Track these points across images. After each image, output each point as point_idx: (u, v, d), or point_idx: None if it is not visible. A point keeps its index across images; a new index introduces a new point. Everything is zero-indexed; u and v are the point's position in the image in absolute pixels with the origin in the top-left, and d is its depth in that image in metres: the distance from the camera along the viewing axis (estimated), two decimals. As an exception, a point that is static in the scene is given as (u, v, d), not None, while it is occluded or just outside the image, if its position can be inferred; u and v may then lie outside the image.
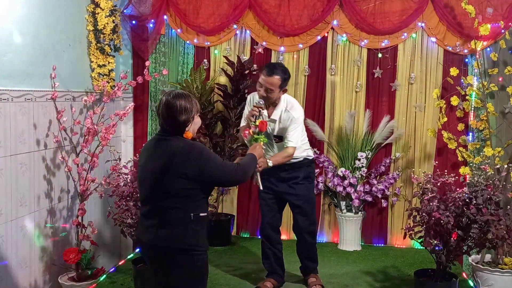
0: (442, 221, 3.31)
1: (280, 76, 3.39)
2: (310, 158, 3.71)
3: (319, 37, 4.83)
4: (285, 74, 3.44)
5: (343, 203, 4.75)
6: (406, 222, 4.66)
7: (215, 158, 2.46)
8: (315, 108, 4.93)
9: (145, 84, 4.97)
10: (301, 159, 3.63)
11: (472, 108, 4.59)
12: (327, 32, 4.84)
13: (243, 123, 3.64)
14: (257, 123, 3.21)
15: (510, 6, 4.42)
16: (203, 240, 2.45)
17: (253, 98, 3.61)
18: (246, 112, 3.61)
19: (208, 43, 4.96)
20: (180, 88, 4.83)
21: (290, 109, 3.52)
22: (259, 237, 5.01)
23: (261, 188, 3.34)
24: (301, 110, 3.60)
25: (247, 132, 3.26)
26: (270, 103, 3.50)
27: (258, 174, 3.28)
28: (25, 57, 3.59)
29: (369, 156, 4.78)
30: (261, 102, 3.36)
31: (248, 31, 4.94)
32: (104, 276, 3.90)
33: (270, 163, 3.33)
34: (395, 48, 4.77)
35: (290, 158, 3.49)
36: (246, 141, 3.37)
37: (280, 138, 3.55)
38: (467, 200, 3.38)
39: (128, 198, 3.48)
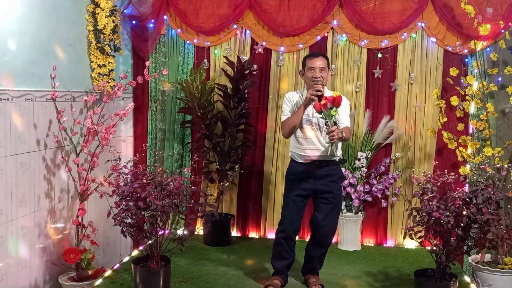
0: (442, 221, 3.31)
1: (324, 56, 3.67)
2: (342, 159, 3.80)
3: (319, 37, 4.84)
4: (326, 56, 3.74)
5: (343, 203, 4.75)
6: (406, 222, 4.66)
7: None
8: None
9: (145, 84, 4.98)
10: (339, 157, 3.69)
11: (472, 108, 4.59)
12: (327, 32, 4.85)
13: (284, 118, 3.66)
14: (334, 96, 3.33)
15: (510, 6, 4.43)
16: None
17: (293, 97, 3.72)
18: (285, 108, 3.69)
19: (208, 43, 4.96)
20: (180, 88, 4.84)
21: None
22: (260, 237, 5.08)
23: (335, 155, 3.56)
24: None
25: (321, 105, 3.33)
26: (324, 83, 3.61)
27: (333, 144, 3.45)
28: (25, 57, 3.59)
29: (369, 156, 4.79)
30: (320, 80, 3.51)
31: (248, 31, 4.95)
32: (104, 276, 3.90)
33: (345, 135, 3.40)
34: (395, 48, 4.78)
35: (350, 136, 3.67)
36: (323, 114, 3.38)
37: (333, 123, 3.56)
38: (467, 199, 3.38)
39: (128, 198, 3.48)
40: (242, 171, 5.04)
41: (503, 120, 4.51)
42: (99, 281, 3.80)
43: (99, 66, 4.43)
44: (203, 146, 4.87)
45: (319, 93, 3.37)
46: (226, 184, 4.86)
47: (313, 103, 3.43)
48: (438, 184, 3.56)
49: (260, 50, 4.93)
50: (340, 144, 3.71)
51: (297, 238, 4.79)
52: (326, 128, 3.51)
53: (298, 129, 3.62)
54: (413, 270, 3.81)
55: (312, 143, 3.59)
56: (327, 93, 3.66)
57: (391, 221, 4.90)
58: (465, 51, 4.61)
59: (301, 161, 3.64)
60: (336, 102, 3.29)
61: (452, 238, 3.41)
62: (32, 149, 3.67)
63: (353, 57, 4.84)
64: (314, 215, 3.72)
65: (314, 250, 3.77)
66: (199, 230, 5.10)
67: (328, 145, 3.52)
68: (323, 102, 3.35)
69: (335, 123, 3.53)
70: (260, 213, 5.09)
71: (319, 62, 3.57)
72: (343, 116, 3.59)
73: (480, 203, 3.31)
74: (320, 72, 3.55)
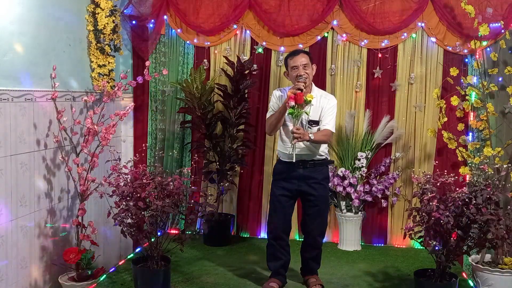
0: (442, 221, 3.31)
1: (304, 53, 3.64)
2: (329, 159, 3.77)
3: (319, 37, 4.84)
4: (307, 52, 3.72)
5: (343, 203, 4.75)
6: (406, 222, 4.66)
7: None
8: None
9: (145, 84, 4.98)
10: (324, 157, 3.66)
11: (472, 108, 4.59)
12: (327, 32, 4.84)
13: (268, 115, 3.66)
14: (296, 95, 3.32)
15: (510, 6, 4.42)
16: None
17: (278, 93, 3.68)
18: (270, 104, 3.68)
19: (208, 43, 4.96)
20: (180, 88, 4.84)
21: (327, 96, 3.68)
22: (260, 237, 5.08)
23: (294, 161, 3.43)
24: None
25: (289, 102, 3.33)
26: (309, 81, 3.57)
27: (294, 146, 3.39)
28: (25, 57, 3.59)
29: (369, 156, 4.78)
30: (304, 77, 3.46)
31: (248, 31, 4.95)
32: (104, 276, 3.90)
33: (312, 136, 3.38)
34: (395, 48, 4.77)
35: (328, 139, 3.60)
36: (288, 112, 3.39)
37: (315, 123, 3.55)
38: (466, 200, 3.37)
39: (128, 198, 3.48)
40: (242, 171, 5.04)
41: (503, 120, 4.50)
42: (99, 281, 3.80)
43: (99, 66, 4.43)
44: (203, 146, 4.87)
45: (299, 92, 3.35)
46: (226, 184, 4.86)
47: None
48: (438, 184, 3.56)
49: (260, 50, 4.93)
50: (325, 145, 3.67)
51: (297, 237, 4.87)
52: (308, 127, 3.50)
53: (282, 127, 3.60)
54: (413, 270, 3.81)
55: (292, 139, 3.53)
56: (315, 90, 3.65)
57: (391, 221, 4.90)
58: (465, 51, 4.61)
59: (286, 160, 3.63)
60: (297, 100, 3.29)
61: (452, 238, 3.41)
62: (32, 149, 3.67)
63: (353, 57, 4.84)
64: (303, 218, 3.73)
65: (308, 252, 3.78)
66: (199, 230, 5.10)
67: (291, 145, 3.45)
68: (286, 100, 3.36)
69: (317, 123, 3.52)
70: (260, 213, 5.09)
71: (301, 59, 3.54)
72: (327, 116, 3.57)
73: (479, 203, 3.31)
74: (303, 69, 3.52)
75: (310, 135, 3.39)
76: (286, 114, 3.47)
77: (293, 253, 3.85)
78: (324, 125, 3.55)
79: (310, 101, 3.39)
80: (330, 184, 4.76)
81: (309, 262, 3.80)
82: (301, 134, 3.32)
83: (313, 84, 3.69)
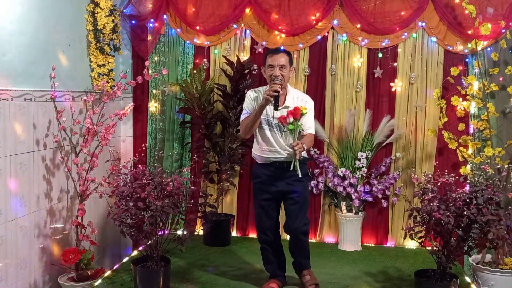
0: (442, 221, 3.30)
1: (285, 52, 3.53)
2: (307, 157, 3.72)
3: (319, 37, 4.83)
4: (288, 52, 3.59)
5: (343, 203, 4.74)
6: (407, 222, 4.65)
7: None
8: (315, 108, 4.86)
9: (145, 84, 4.97)
10: (301, 157, 3.61)
11: (473, 108, 4.58)
12: (327, 32, 4.84)
13: (243, 117, 3.59)
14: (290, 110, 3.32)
15: (511, 6, 4.41)
16: None
17: (253, 94, 3.61)
18: (245, 106, 3.60)
19: (208, 42, 4.95)
20: (180, 88, 4.83)
21: (304, 98, 3.61)
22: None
23: (300, 175, 3.36)
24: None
25: (284, 118, 3.32)
26: (285, 83, 3.52)
27: (297, 161, 3.31)
28: (25, 57, 3.58)
29: (369, 156, 4.77)
30: (279, 78, 3.41)
31: (248, 31, 4.94)
32: (104, 276, 3.90)
33: (305, 146, 3.33)
34: (396, 48, 4.76)
35: (312, 144, 3.56)
36: (285, 128, 3.35)
37: (296, 137, 3.47)
38: (467, 200, 3.37)
39: (128, 198, 3.47)
40: (242, 171, 5.03)
41: (504, 120, 4.49)
42: (98, 282, 3.80)
43: (99, 66, 4.42)
44: (203, 146, 4.87)
45: (275, 94, 3.30)
46: (225, 184, 4.85)
47: (275, 109, 3.39)
48: (439, 184, 3.55)
49: (260, 50, 4.92)
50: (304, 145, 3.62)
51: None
52: (285, 131, 3.44)
53: (258, 130, 3.55)
54: (413, 270, 3.81)
55: (271, 145, 3.51)
56: (291, 91, 3.60)
57: (392, 221, 4.89)
58: (466, 50, 4.60)
59: (263, 163, 3.59)
60: (294, 115, 3.26)
61: (452, 239, 3.40)
62: (31, 149, 3.67)
63: (353, 56, 4.83)
64: (286, 218, 3.64)
65: (295, 249, 3.71)
66: (199, 230, 5.09)
67: (291, 152, 3.37)
68: (279, 114, 3.34)
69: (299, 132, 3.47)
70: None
71: (280, 59, 3.45)
72: (307, 120, 3.50)
73: (480, 204, 3.31)
74: (280, 70, 3.44)
75: (304, 145, 3.32)
76: (286, 130, 3.41)
77: (287, 251, 3.83)
78: (307, 130, 3.48)
79: (306, 113, 3.37)
80: (330, 184, 4.77)
81: (298, 259, 3.75)
82: (301, 148, 3.26)
83: (289, 85, 3.63)
